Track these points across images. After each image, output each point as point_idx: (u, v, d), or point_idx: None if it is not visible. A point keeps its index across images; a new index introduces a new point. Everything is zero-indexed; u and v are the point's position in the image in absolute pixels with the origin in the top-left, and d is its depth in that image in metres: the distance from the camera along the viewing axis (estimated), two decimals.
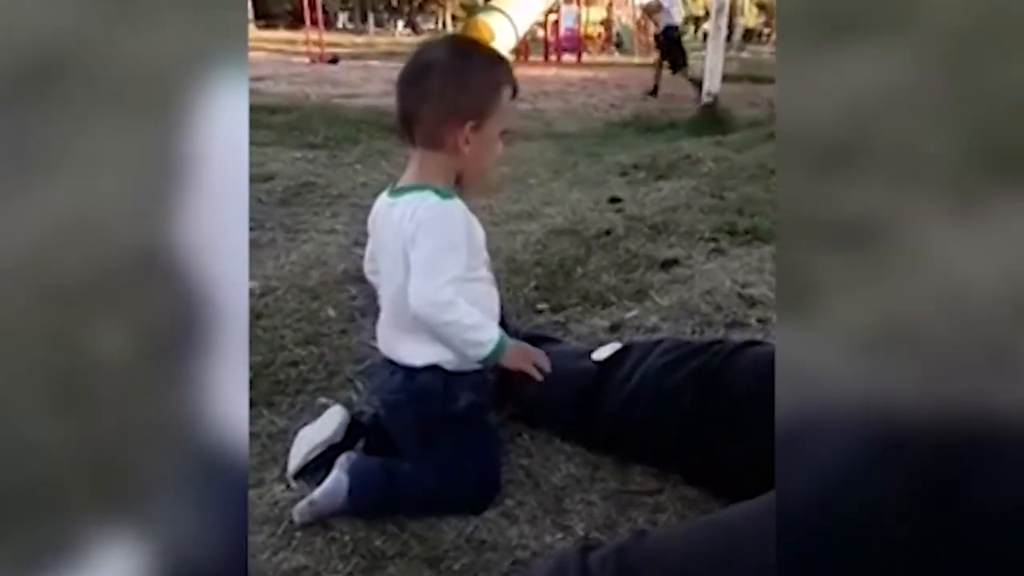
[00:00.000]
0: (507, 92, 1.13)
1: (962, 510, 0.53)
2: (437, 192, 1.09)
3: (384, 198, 1.16)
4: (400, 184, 1.14)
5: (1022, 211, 0.48)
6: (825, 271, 0.56)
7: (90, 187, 0.58)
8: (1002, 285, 0.49)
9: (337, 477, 1.11)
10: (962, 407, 0.51)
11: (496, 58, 1.15)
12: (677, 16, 8.64)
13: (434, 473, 1.14)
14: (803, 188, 0.57)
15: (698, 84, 6.95)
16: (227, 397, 0.65)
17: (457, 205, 1.11)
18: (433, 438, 1.16)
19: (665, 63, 8.47)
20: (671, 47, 8.39)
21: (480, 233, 1.16)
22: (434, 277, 1.06)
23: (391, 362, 1.18)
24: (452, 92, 1.07)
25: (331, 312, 1.87)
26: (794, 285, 0.57)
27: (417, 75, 1.09)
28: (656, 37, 9.05)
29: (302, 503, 1.10)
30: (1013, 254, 0.48)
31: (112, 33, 0.59)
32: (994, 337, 0.49)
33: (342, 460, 1.14)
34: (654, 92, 8.48)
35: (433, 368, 1.14)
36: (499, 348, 1.10)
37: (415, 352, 1.14)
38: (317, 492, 1.11)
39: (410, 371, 1.15)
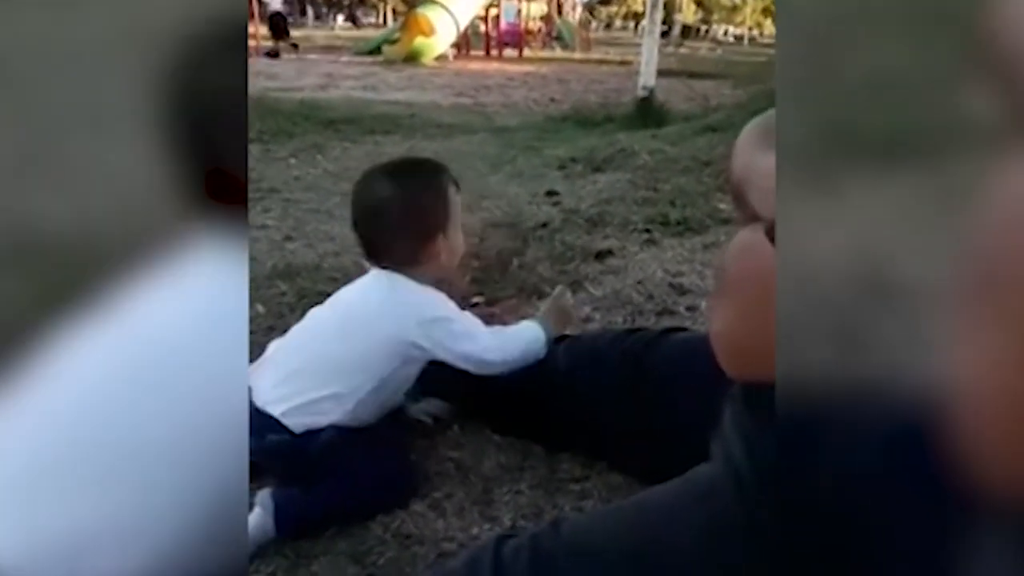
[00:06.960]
0: (453, 191, 1.20)
1: (806, 486, 0.54)
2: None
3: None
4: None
5: (871, 191, 0.50)
6: None
7: None
8: (850, 264, 0.50)
9: (260, 520, 1.05)
10: (809, 383, 0.52)
11: (432, 166, 1.23)
12: (277, 3, 12.94)
13: (350, 483, 1.11)
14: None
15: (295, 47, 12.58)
16: (226, 394, 0.63)
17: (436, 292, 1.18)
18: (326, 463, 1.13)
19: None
20: (276, 29, 12.42)
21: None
22: (474, 339, 1.16)
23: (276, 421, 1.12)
24: (414, 220, 1.15)
25: (260, 308, 1.83)
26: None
27: (374, 216, 1.17)
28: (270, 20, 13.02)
29: None
30: (861, 234, 0.50)
31: None
32: (841, 314, 0.51)
33: (263, 500, 1.06)
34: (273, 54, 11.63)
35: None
36: (546, 333, 1.22)
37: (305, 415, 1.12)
38: None
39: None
